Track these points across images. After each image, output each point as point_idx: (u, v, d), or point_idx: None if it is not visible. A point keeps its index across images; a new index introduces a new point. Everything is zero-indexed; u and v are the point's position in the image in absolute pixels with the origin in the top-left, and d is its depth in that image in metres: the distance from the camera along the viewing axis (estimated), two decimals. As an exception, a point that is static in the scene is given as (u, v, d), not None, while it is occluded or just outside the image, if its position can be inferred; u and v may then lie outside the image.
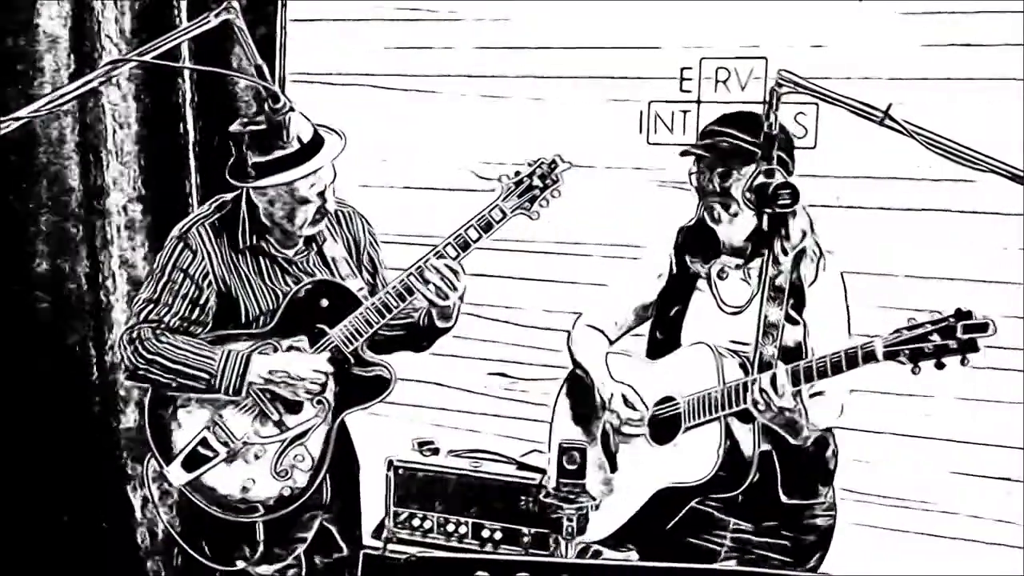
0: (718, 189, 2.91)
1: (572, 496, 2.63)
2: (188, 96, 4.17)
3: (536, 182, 3.19)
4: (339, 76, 4.31)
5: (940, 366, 2.62)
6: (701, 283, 3.04)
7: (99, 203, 4.09)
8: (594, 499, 2.71)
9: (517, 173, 3.20)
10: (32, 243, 4.06)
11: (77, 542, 4.13)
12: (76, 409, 4.07)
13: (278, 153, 3.00)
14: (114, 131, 4.07)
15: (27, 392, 4.06)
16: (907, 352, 2.63)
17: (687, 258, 3.06)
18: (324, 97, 4.29)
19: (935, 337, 2.60)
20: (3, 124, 2.39)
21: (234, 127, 3.02)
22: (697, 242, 3.04)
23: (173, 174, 4.17)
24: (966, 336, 2.58)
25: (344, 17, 4.29)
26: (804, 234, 2.91)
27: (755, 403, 2.80)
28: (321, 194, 3.11)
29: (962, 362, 2.60)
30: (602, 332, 3.18)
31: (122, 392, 4.05)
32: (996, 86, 3.54)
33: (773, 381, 2.77)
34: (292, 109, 2.73)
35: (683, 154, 2.98)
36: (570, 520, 2.59)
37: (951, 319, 2.59)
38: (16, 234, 4.05)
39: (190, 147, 4.19)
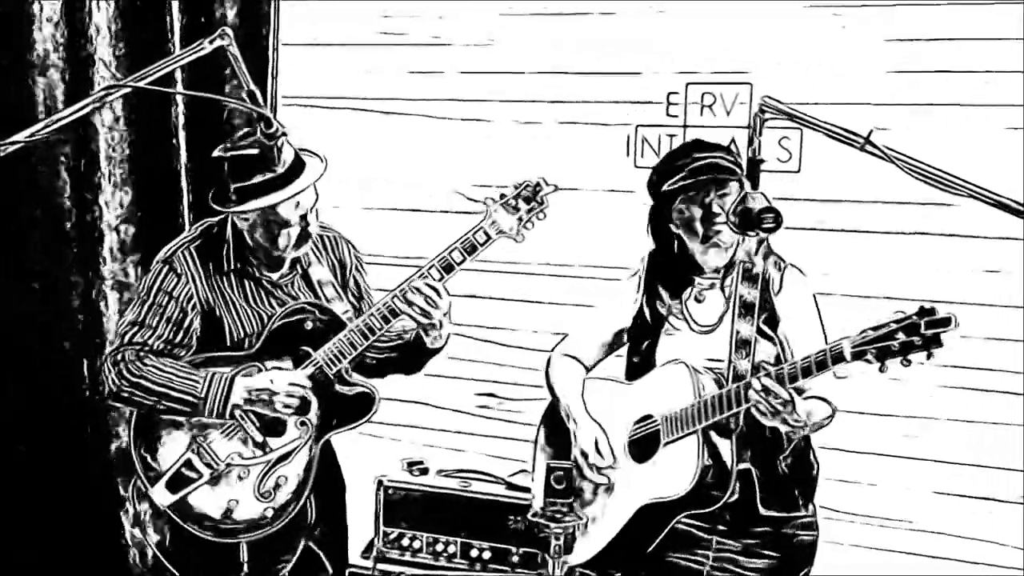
0: (705, 213, 2.96)
1: (559, 516, 2.65)
2: (181, 119, 4.19)
3: (521, 204, 3.20)
4: (328, 100, 4.35)
5: (906, 363, 2.63)
6: (668, 308, 3.08)
7: (92, 224, 4.11)
8: (581, 518, 2.74)
9: (502, 196, 3.21)
10: (25, 264, 4.07)
11: (69, 562, 4.13)
12: (68, 430, 4.08)
13: (259, 178, 3.02)
14: (107, 153, 4.09)
15: (19, 412, 4.07)
16: (874, 351, 2.65)
17: (658, 292, 3.09)
18: (314, 121, 4.32)
19: (900, 335, 2.62)
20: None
21: (216, 152, 3.05)
22: (666, 267, 3.08)
23: (166, 195, 4.19)
24: (930, 332, 2.59)
25: (333, 42, 4.33)
26: (762, 243, 2.95)
27: (757, 404, 2.81)
28: (303, 217, 3.13)
29: (928, 356, 2.62)
30: (578, 360, 3.22)
31: (114, 413, 4.05)
32: (982, 113, 3.60)
33: (765, 378, 2.80)
34: (285, 134, 2.75)
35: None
36: (557, 539, 2.62)
37: (914, 316, 2.62)
38: (8, 255, 4.07)
39: (182, 169, 4.21)
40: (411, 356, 3.33)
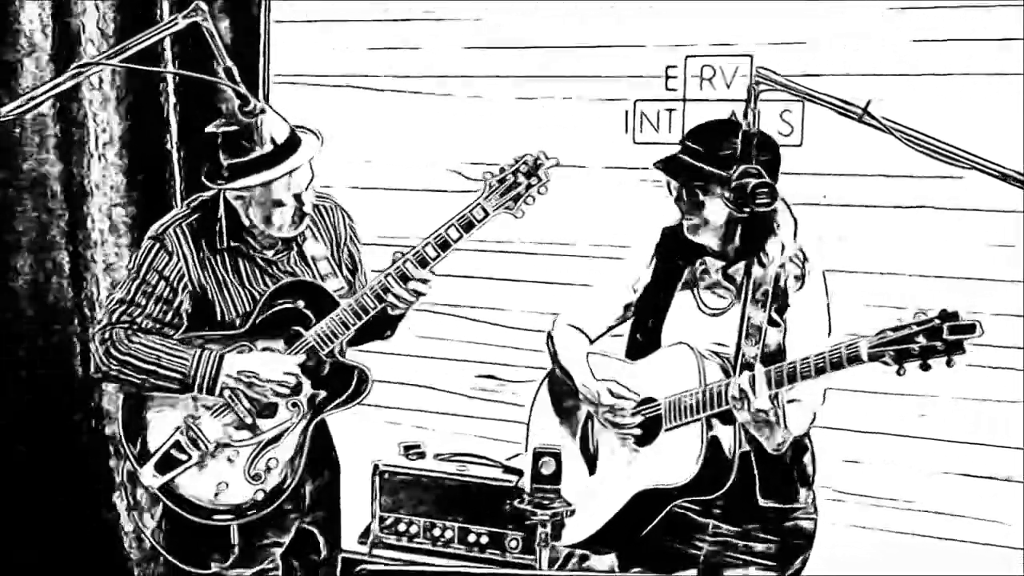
0: (686, 205, 2.89)
1: (546, 502, 2.59)
2: (172, 99, 4.13)
3: (520, 179, 3.13)
4: (323, 77, 4.28)
5: (926, 367, 2.57)
6: (682, 285, 3.01)
7: (82, 206, 4.06)
8: (569, 505, 2.67)
9: (501, 171, 3.14)
10: (14, 246, 4.03)
11: (65, 547, 4.10)
12: (60, 413, 4.04)
13: (253, 154, 2.96)
14: (96, 134, 4.04)
15: (10, 396, 4.03)
16: (892, 353, 2.59)
17: (671, 257, 3.02)
18: (308, 98, 4.26)
19: (921, 339, 2.56)
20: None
21: (209, 128, 2.98)
22: (680, 243, 3.00)
23: (157, 176, 4.14)
24: (952, 337, 2.53)
25: (328, 18, 4.26)
26: (784, 246, 2.88)
27: (733, 401, 2.77)
28: (298, 196, 3.06)
29: (948, 363, 2.56)
30: (582, 331, 3.14)
31: (107, 395, 4.01)
32: (986, 82, 3.52)
33: (752, 381, 2.74)
34: (263, 111, 2.68)
35: (654, 165, 2.96)
36: (544, 526, 2.55)
37: (937, 320, 2.55)
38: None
39: (174, 149, 4.15)
40: (379, 325, 3.27)
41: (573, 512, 2.69)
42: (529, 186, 3.14)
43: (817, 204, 3.69)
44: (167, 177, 4.16)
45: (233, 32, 4.23)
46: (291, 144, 3.02)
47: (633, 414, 2.99)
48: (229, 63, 2.48)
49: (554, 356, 3.15)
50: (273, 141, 2.98)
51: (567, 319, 3.16)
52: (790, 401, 2.81)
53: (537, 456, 2.66)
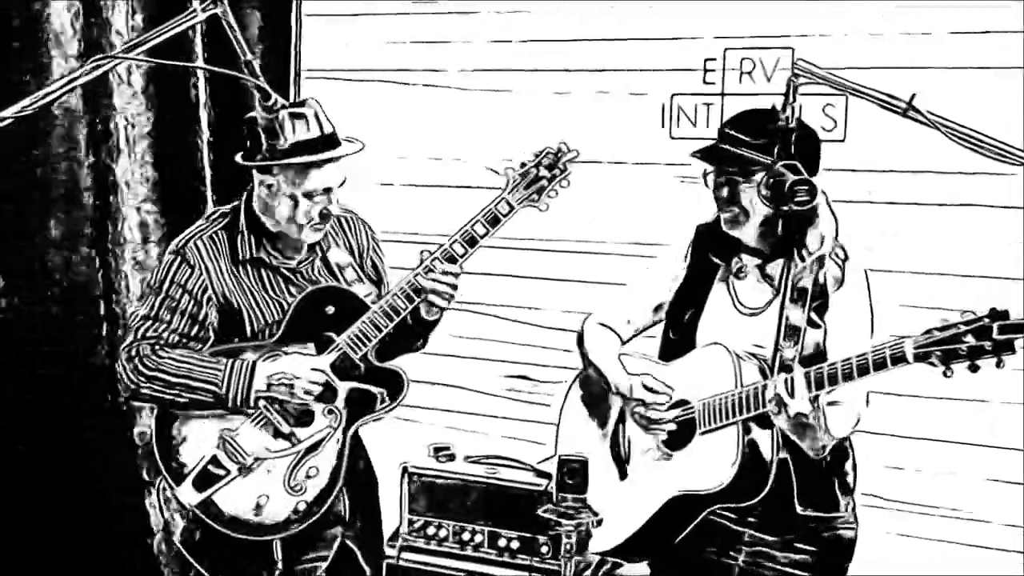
0: (725, 196, 2.80)
1: (572, 512, 2.51)
2: (203, 95, 4.09)
3: (543, 172, 3.09)
4: (355, 72, 4.24)
5: (974, 368, 2.48)
6: (718, 283, 2.92)
7: (111, 204, 4.03)
8: (596, 515, 2.59)
9: (523, 164, 3.10)
10: (43, 245, 4.00)
11: (95, 555, 4.07)
12: (88, 415, 4.00)
13: (300, 137, 2.91)
14: (126, 130, 4.01)
15: (38, 398, 4.00)
16: (939, 354, 2.49)
17: (706, 255, 2.93)
18: (340, 93, 4.21)
19: (969, 338, 2.47)
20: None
21: (253, 113, 2.91)
22: (716, 240, 2.91)
23: (187, 174, 4.11)
24: (1002, 337, 2.44)
25: (359, 12, 4.21)
26: (824, 238, 2.78)
27: (771, 404, 2.69)
28: (327, 192, 3.01)
29: (998, 364, 2.46)
30: (614, 331, 3.06)
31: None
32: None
33: (789, 384, 2.65)
34: (284, 107, 2.62)
35: (692, 155, 2.87)
36: (569, 537, 2.47)
37: (986, 319, 2.46)
38: (27, 236, 3.99)
39: (205, 146, 4.12)
40: (412, 334, 3.21)
41: (600, 522, 2.61)
42: (552, 178, 3.10)
43: (861, 201, 3.58)
44: (198, 172, 4.12)
45: (264, 27, 4.19)
46: (332, 139, 3.00)
47: (671, 399, 2.91)
48: (249, 57, 2.42)
49: (585, 355, 3.08)
50: (321, 129, 2.96)
51: (599, 318, 3.09)
52: (831, 404, 2.71)
53: (562, 464, 2.58)
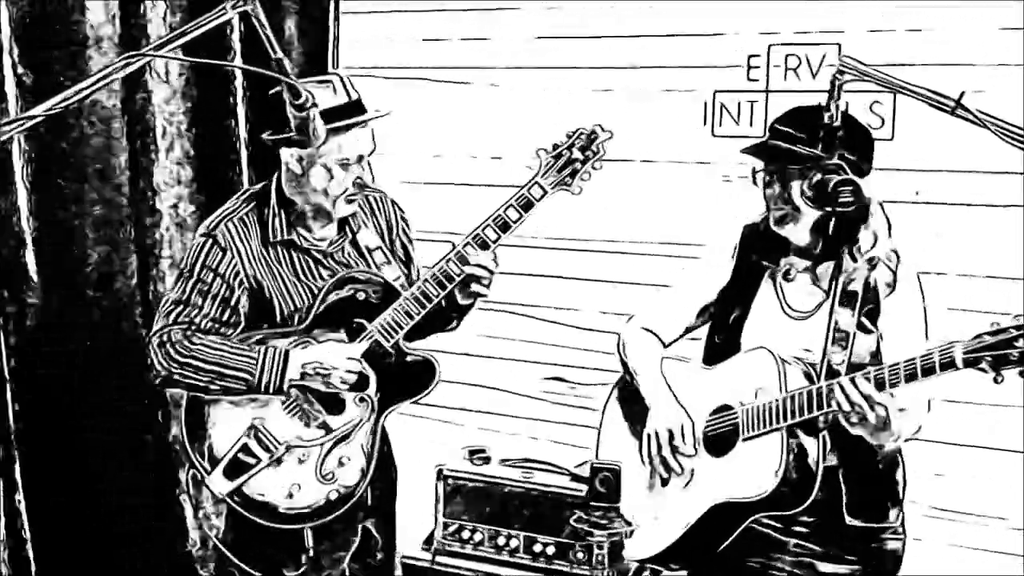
0: (776, 194, 2.72)
1: (604, 521, 2.44)
2: (240, 91, 4.07)
3: (576, 154, 3.04)
4: (392, 69, 4.21)
5: None
6: (765, 285, 2.84)
7: (149, 202, 4.02)
8: (629, 524, 2.52)
9: (555, 146, 3.05)
10: (82, 244, 3.99)
11: (131, 549, 4.07)
12: (127, 411, 3.99)
13: (328, 103, 2.88)
14: (164, 129, 4.00)
15: (77, 394, 4.00)
16: (989, 359, 2.41)
17: (753, 256, 2.86)
18: (377, 91, 4.15)
19: (1021, 343, 2.38)
20: (17, 123, 2.27)
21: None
22: (763, 241, 2.84)
23: (225, 172, 4.09)
24: None
25: (396, 9, 4.18)
26: (877, 237, 2.70)
27: (842, 407, 2.58)
28: (360, 160, 2.99)
29: None
30: (656, 335, 3.00)
31: (172, 394, 3.96)
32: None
33: (861, 379, 2.56)
34: (315, 105, 2.59)
35: (743, 151, 2.79)
36: (600, 548, 2.40)
37: None
38: (66, 235, 3.99)
39: (242, 144, 4.10)
40: (445, 316, 3.17)
41: (633, 532, 2.54)
42: (585, 160, 3.05)
43: (909, 202, 3.49)
44: (236, 168, 4.11)
45: (301, 24, 4.17)
46: (362, 103, 2.99)
47: (706, 427, 2.84)
48: (280, 55, 2.38)
49: (624, 363, 3.01)
50: (348, 95, 2.95)
51: (640, 322, 3.03)
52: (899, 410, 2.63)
53: (595, 472, 2.51)
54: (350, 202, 3.04)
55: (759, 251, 2.86)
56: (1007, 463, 3.47)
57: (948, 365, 2.45)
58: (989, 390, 2.44)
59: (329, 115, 2.88)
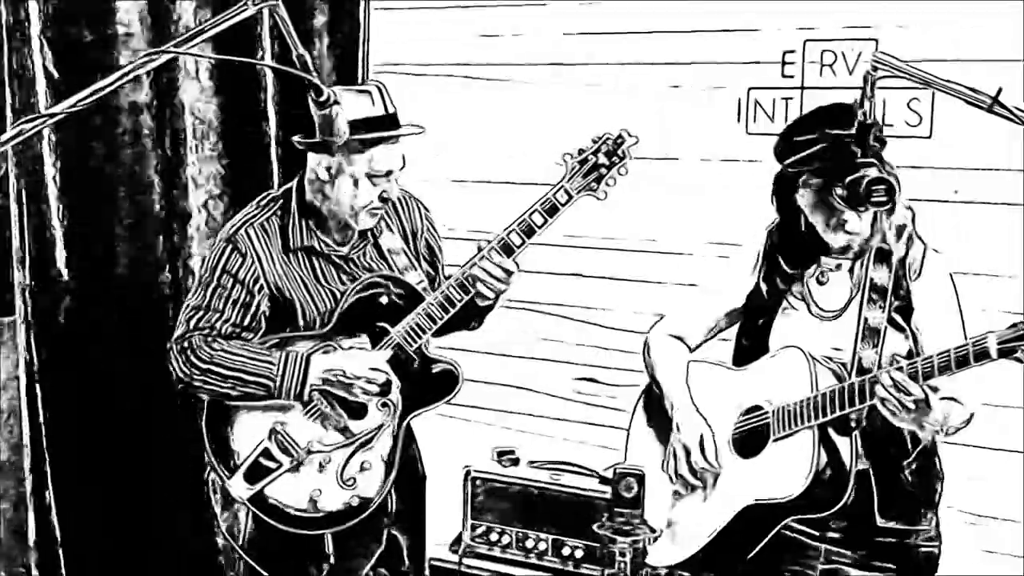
0: (815, 201, 2.67)
1: (628, 528, 2.39)
2: (271, 89, 4.05)
3: (602, 159, 2.99)
4: (424, 66, 4.18)
5: None
6: (793, 288, 2.79)
7: (179, 202, 4.02)
8: (654, 531, 2.47)
9: (580, 151, 3.01)
10: (111, 244, 3.99)
11: (159, 551, 4.08)
12: (157, 412, 3.98)
13: (365, 113, 2.87)
14: (194, 128, 3.99)
15: (107, 398, 3.99)
16: None
17: (780, 261, 2.80)
18: (409, 88, 4.14)
19: None
20: (38, 120, 2.26)
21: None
22: (789, 245, 2.78)
23: (255, 172, 4.07)
24: None
25: (428, 5, 4.15)
26: (903, 228, 2.64)
27: (885, 401, 2.53)
28: (388, 175, 2.96)
29: None
30: (682, 340, 2.96)
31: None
32: None
33: (896, 372, 2.51)
34: (337, 102, 2.56)
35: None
36: (623, 555, 2.36)
37: None
38: (95, 235, 3.99)
39: (272, 143, 4.07)
40: (466, 317, 3.13)
41: (657, 538, 2.50)
42: (611, 165, 3.00)
43: (947, 201, 3.42)
44: (266, 167, 4.08)
45: (332, 21, 4.15)
46: (397, 118, 2.97)
47: (736, 428, 2.80)
48: (302, 51, 2.35)
49: (650, 370, 2.98)
50: (386, 107, 2.93)
51: (666, 327, 3.00)
52: (950, 399, 2.60)
53: (619, 477, 2.47)
54: (373, 216, 3.02)
55: (786, 258, 2.81)
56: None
57: (983, 355, 2.41)
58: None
59: (363, 126, 2.87)
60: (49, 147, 3.90)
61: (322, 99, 2.49)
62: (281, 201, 3.08)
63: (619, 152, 2.99)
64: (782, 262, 2.80)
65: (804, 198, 2.69)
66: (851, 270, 2.75)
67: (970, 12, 3.39)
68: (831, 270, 2.76)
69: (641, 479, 2.50)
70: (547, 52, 3.99)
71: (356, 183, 2.95)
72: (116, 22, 3.88)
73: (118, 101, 3.89)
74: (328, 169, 2.96)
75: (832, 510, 2.66)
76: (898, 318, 2.69)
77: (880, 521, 2.68)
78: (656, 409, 2.98)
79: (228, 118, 4.05)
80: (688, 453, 2.80)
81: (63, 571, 4.04)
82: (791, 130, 2.77)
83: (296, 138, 2.98)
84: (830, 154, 2.62)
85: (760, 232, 2.89)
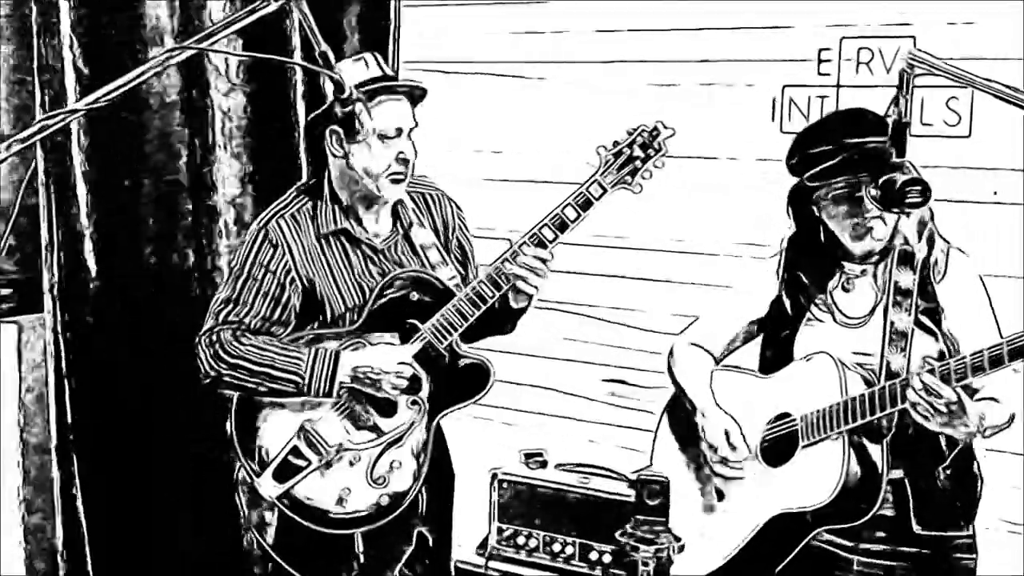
0: (846, 211, 2.64)
1: (651, 536, 2.34)
2: (299, 87, 4.03)
3: (637, 152, 2.95)
4: (454, 64, 4.14)
5: None
6: (817, 296, 2.74)
7: (206, 197, 4.01)
8: (678, 540, 2.43)
9: (615, 144, 2.97)
10: (139, 238, 3.99)
11: (189, 550, 4.07)
12: (185, 411, 3.97)
13: (361, 76, 2.86)
14: (223, 123, 3.98)
15: (134, 394, 3.99)
16: None
17: (799, 279, 2.76)
18: (438, 85, 4.10)
19: None
20: (60, 116, 2.24)
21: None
22: (809, 257, 2.73)
23: (283, 167, 4.04)
24: None
25: (459, 2, 4.11)
26: (924, 226, 2.59)
27: (916, 405, 2.49)
28: (399, 133, 2.92)
29: None
30: (707, 350, 2.92)
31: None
32: None
33: (927, 375, 2.46)
34: (360, 99, 2.54)
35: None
36: (646, 565, 2.30)
37: None
38: (123, 229, 3.99)
39: (301, 139, 4.05)
40: (499, 320, 3.09)
41: (682, 548, 2.45)
42: (647, 158, 2.96)
43: (986, 202, 3.34)
44: (295, 164, 4.06)
45: (362, 18, 4.13)
46: (396, 78, 3.00)
47: (764, 436, 2.74)
48: (324, 47, 2.32)
49: (674, 378, 2.95)
50: (382, 69, 2.95)
51: (690, 337, 2.97)
52: (989, 399, 2.56)
53: (642, 485, 2.42)
54: (396, 182, 2.97)
55: (806, 269, 2.77)
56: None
57: (1017, 354, 2.37)
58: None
59: (360, 87, 2.83)
60: (78, 145, 3.90)
61: (344, 96, 2.47)
62: (313, 191, 3.06)
63: (655, 144, 2.96)
64: (803, 277, 2.76)
65: (826, 210, 2.66)
66: (875, 275, 2.70)
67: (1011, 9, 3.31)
68: (856, 276, 2.71)
69: (665, 486, 2.45)
70: (579, 50, 3.93)
71: (370, 148, 2.91)
72: (145, 18, 3.87)
73: (147, 97, 3.88)
74: (340, 143, 2.93)
75: (863, 519, 2.62)
76: (926, 320, 2.65)
77: (917, 529, 2.63)
78: (680, 416, 2.94)
79: (256, 112, 4.03)
80: (715, 450, 2.76)
81: (90, 571, 4.04)
82: (803, 142, 2.73)
83: (328, 145, 2.97)
84: (853, 164, 2.58)
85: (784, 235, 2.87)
